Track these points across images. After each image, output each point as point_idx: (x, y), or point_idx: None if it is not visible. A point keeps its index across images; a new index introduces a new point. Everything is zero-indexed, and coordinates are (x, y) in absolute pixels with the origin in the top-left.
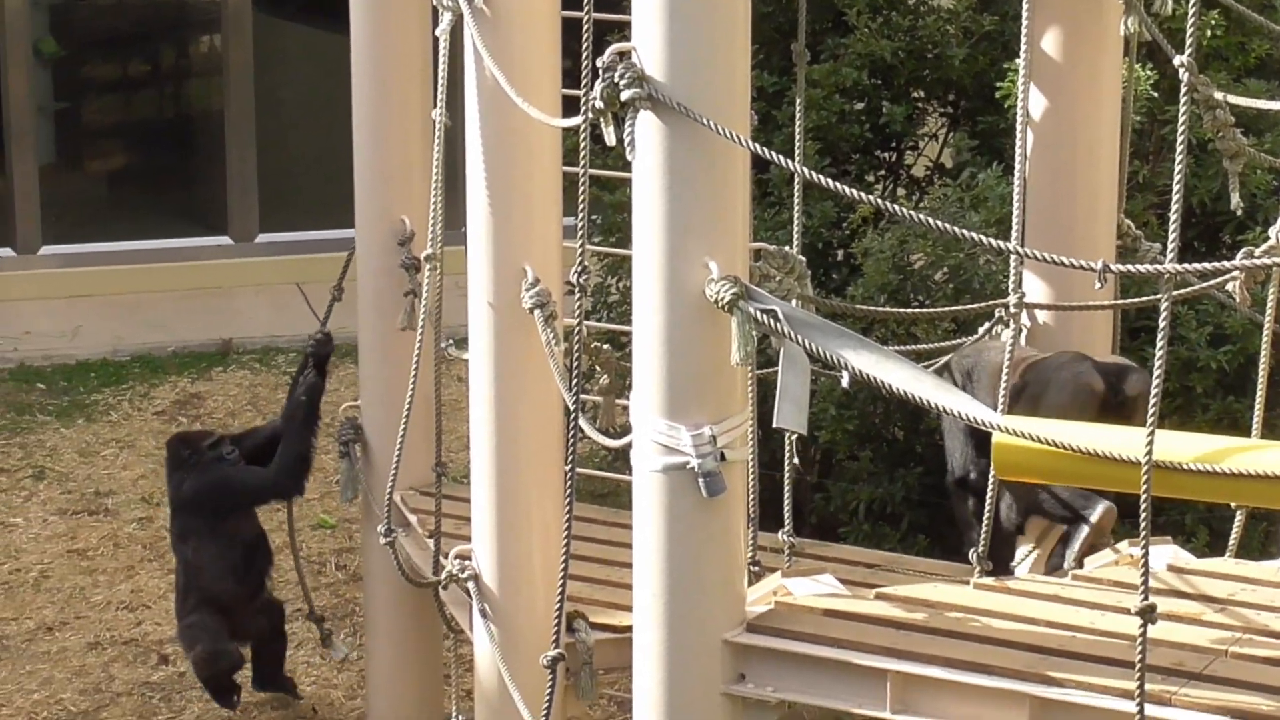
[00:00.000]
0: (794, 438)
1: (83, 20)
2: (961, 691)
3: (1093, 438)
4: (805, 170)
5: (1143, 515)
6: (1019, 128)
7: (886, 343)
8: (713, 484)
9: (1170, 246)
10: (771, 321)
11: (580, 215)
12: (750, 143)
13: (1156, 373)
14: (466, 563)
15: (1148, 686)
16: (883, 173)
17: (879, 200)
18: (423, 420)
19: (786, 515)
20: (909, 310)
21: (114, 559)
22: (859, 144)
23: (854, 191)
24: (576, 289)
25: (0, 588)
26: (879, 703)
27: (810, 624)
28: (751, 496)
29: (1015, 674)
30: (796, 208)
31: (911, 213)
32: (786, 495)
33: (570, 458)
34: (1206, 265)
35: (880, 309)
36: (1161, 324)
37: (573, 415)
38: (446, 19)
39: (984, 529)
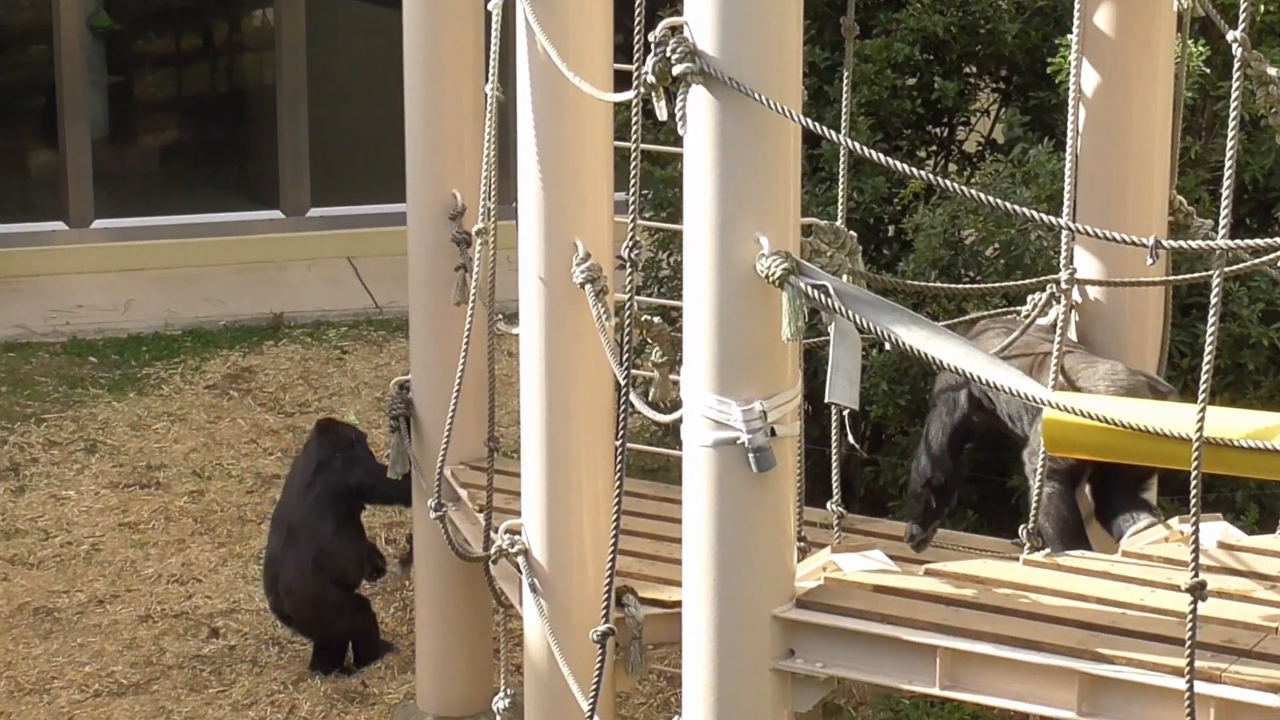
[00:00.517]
0: (845, 413)
1: None
2: (1011, 668)
3: (1144, 414)
4: (856, 145)
5: (1193, 492)
6: (1071, 103)
7: (937, 318)
8: (763, 459)
9: (1222, 223)
10: (822, 297)
11: (632, 190)
12: (802, 117)
13: (1208, 349)
14: (516, 537)
15: (1198, 664)
16: (934, 148)
17: (930, 175)
18: (473, 395)
19: (835, 488)
20: (960, 286)
21: (165, 532)
22: (911, 119)
23: (905, 167)
24: (627, 264)
25: (52, 561)
26: (928, 679)
27: (860, 600)
28: (799, 472)
29: (1065, 651)
30: (842, 182)
31: (963, 188)
32: (834, 469)
33: (621, 433)
34: (1259, 241)
35: (931, 284)
36: (1213, 300)
37: (623, 390)
38: None
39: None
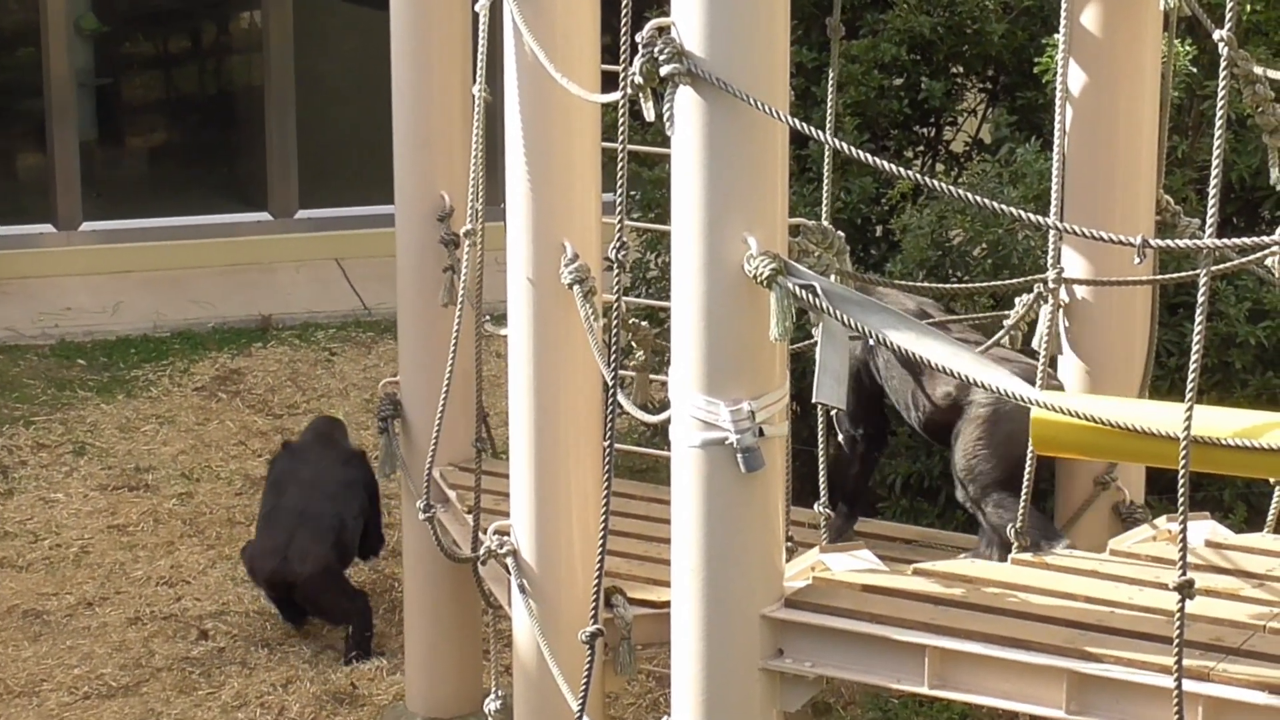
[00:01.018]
0: (833, 413)
1: None
2: (1000, 667)
3: (1131, 413)
4: (843, 145)
5: (1181, 491)
6: (1058, 103)
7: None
8: (751, 460)
9: (1209, 222)
10: (810, 297)
11: (619, 191)
12: (789, 118)
13: (1195, 348)
14: (505, 538)
15: (1186, 662)
16: (921, 148)
17: (918, 175)
18: (462, 396)
19: (822, 488)
20: (948, 285)
21: (154, 535)
22: (898, 119)
23: (893, 167)
24: (615, 264)
25: (41, 563)
26: (917, 678)
27: (848, 599)
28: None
29: (1053, 649)
30: (827, 182)
31: (950, 188)
32: (821, 469)
33: (609, 433)
34: (1246, 240)
35: (919, 284)
36: (1200, 299)
37: (611, 391)
38: None
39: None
